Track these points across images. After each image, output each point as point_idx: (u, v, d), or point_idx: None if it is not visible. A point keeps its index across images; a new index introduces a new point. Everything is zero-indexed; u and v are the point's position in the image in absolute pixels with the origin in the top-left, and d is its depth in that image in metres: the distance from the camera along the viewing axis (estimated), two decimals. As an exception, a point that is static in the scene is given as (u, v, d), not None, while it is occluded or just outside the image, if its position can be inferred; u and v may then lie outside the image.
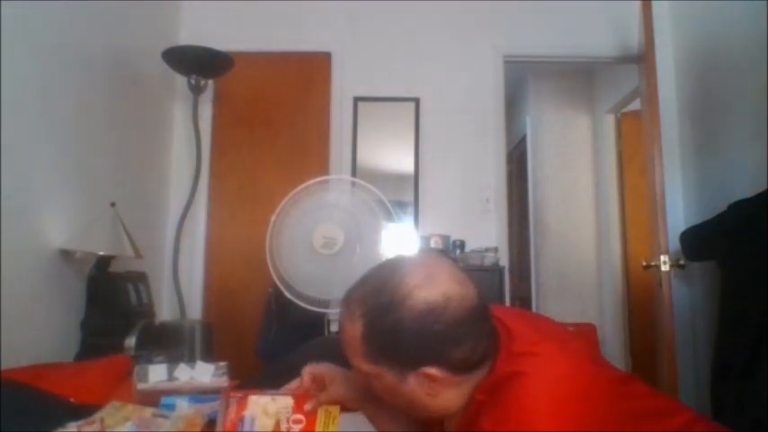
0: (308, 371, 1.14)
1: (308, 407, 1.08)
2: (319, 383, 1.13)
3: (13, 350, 1.83)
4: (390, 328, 0.90)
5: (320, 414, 1.07)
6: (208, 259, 3.45)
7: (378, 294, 0.93)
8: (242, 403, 1.06)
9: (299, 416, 1.06)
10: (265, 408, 1.06)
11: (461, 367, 0.92)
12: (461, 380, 0.93)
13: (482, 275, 2.95)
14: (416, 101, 3.49)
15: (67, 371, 1.84)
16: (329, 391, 1.12)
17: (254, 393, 1.07)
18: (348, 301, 0.97)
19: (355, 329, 0.93)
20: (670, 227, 2.73)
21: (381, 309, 0.91)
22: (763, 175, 2.38)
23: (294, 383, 1.14)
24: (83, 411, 1.27)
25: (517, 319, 1.02)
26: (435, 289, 0.91)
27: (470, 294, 0.93)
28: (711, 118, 3.07)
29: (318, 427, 1.06)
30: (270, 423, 1.05)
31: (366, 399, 1.09)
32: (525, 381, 0.88)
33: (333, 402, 1.10)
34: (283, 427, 1.05)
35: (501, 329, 0.98)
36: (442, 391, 0.93)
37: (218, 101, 3.55)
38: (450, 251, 3.12)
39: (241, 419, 1.05)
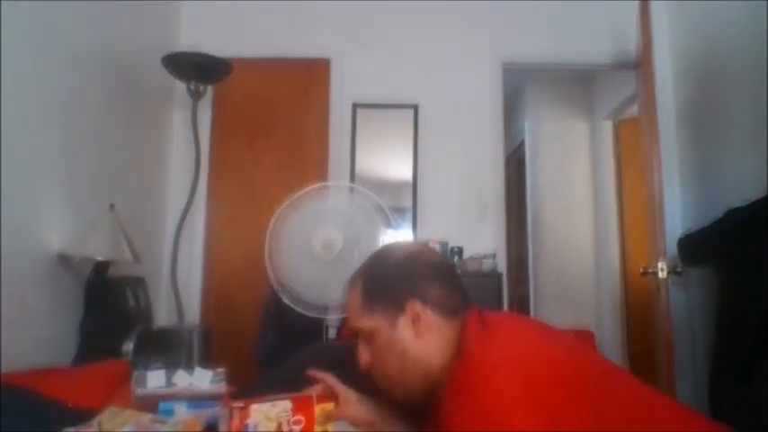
0: (329, 381, 1.20)
1: (319, 418, 1.14)
2: (331, 395, 1.19)
3: (12, 354, 1.84)
4: (381, 273, 1.13)
5: (317, 411, 1.13)
6: (206, 264, 3.45)
7: (372, 260, 1.18)
8: (244, 413, 1.09)
9: (299, 416, 1.11)
10: (267, 413, 1.10)
11: (439, 306, 1.08)
12: (440, 323, 1.07)
13: (480, 281, 2.96)
14: (415, 107, 3.50)
15: (66, 375, 1.84)
16: (342, 408, 1.18)
17: (255, 402, 1.10)
18: (351, 278, 1.17)
19: (357, 291, 1.13)
20: (668, 232, 2.74)
21: (375, 266, 1.16)
22: (762, 180, 2.38)
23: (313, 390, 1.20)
24: (80, 416, 1.27)
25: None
26: (414, 245, 1.22)
27: (441, 254, 1.24)
28: (709, 124, 3.08)
29: (317, 424, 1.12)
30: (272, 426, 1.09)
31: (374, 418, 1.17)
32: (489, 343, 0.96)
33: (344, 419, 1.17)
34: (285, 428, 1.09)
35: (474, 310, 1.08)
36: (426, 334, 1.06)
37: (217, 106, 3.55)
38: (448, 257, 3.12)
39: (245, 427, 1.08)
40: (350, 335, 2.43)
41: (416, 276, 1.10)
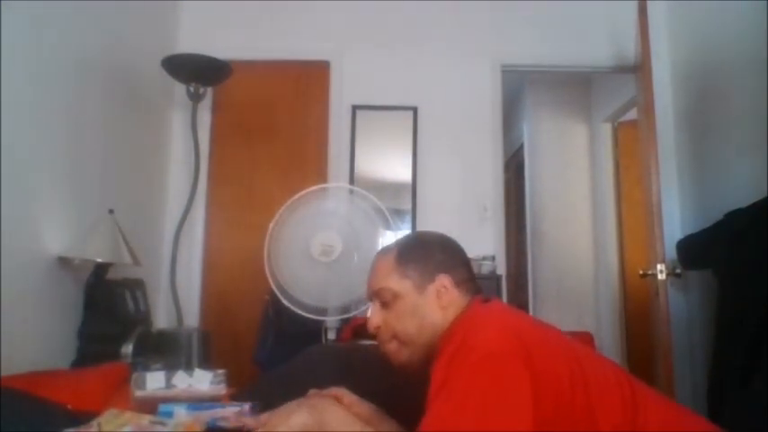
0: (330, 393, 1.22)
1: None
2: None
3: (11, 357, 1.83)
4: (419, 245, 1.24)
5: None
6: (205, 266, 3.45)
7: (409, 236, 1.33)
8: None
9: None
10: None
11: (463, 286, 1.19)
12: (460, 300, 1.17)
13: (480, 284, 2.94)
14: (414, 109, 3.50)
15: (65, 378, 1.84)
16: (348, 410, 1.20)
17: None
18: (383, 248, 1.27)
19: (389, 257, 1.21)
20: (667, 235, 2.74)
21: (412, 238, 1.33)
22: (761, 183, 2.39)
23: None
24: (80, 418, 1.27)
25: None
26: (447, 235, 1.29)
27: None
28: (708, 127, 3.08)
29: None
30: None
31: (371, 416, 1.21)
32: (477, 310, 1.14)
33: None
34: None
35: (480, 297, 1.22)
36: (448, 306, 1.16)
37: (216, 109, 3.56)
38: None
39: None
40: (349, 336, 2.44)
41: (450, 256, 1.22)
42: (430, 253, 1.21)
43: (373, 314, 1.21)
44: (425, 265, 1.19)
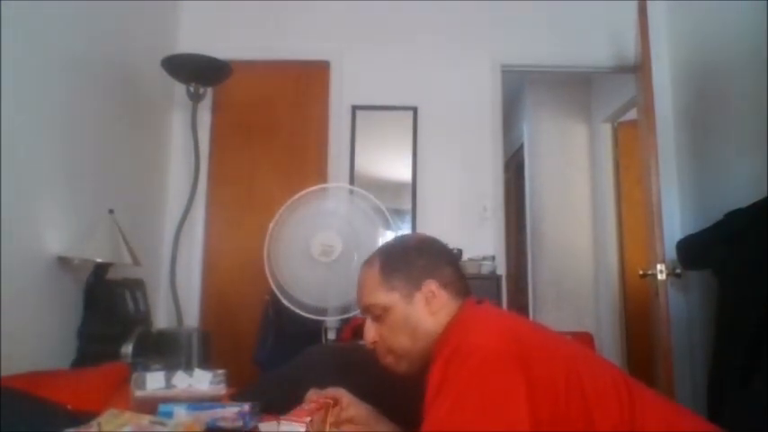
0: (329, 393, 1.22)
1: (330, 419, 1.18)
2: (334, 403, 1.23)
3: (11, 357, 1.83)
4: (400, 254, 1.22)
5: (329, 416, 1.18)
6: (205, 266, 3.45)
7: (390, 244, 1.31)
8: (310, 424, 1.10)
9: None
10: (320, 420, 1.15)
11: (451, 288, 1.18)
12: (450, 302, 1.17)
13: (480, 284, 2.95)
14: (414, 109, 3.50)
15: (65, 378, 1.84)
16: (346, 411, 1.22)
17: (309, 414, 1.11)
18: (367, 260, 1.26)
19: (374, 269, 1.21)
20: (667, 236, 2.74)
21: (394, 248, 1.26)
22: (761, 183, 2.39)
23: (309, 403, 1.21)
24: (80, 418, 1.27)
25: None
26: (426, 235, 1.32)
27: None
28: (708, 127, 3.08)
29: (329, 425, 1.17)
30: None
31: (368, 417, 1.23)
32: (468, 311, 1.15)
33: (348, 420, 1.22)
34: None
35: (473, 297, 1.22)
36: (439, 312, 1.15)
37: (216, 109, 3.55)
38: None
39: None
40: (349, 336, 2.44)
41: (434, 259, 1.21)
42: (412, 260, 1.20)
43: (368, 329, 1.21)
44: (409, 273, 1.18)
